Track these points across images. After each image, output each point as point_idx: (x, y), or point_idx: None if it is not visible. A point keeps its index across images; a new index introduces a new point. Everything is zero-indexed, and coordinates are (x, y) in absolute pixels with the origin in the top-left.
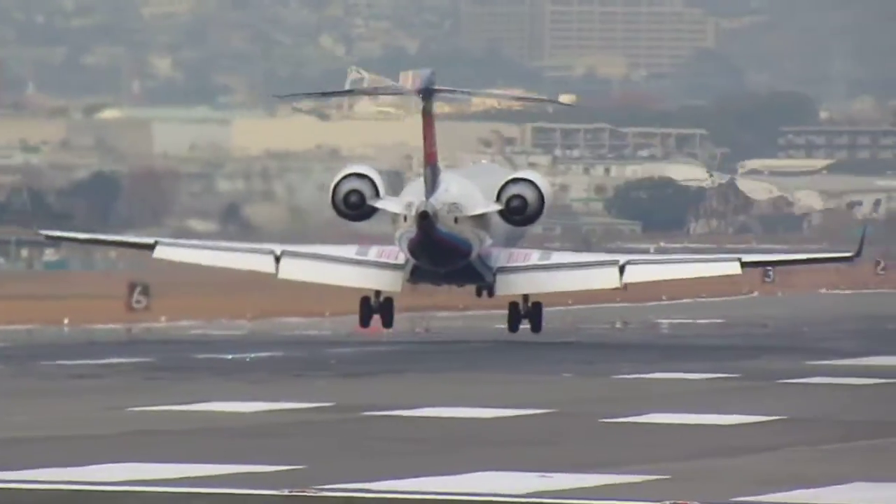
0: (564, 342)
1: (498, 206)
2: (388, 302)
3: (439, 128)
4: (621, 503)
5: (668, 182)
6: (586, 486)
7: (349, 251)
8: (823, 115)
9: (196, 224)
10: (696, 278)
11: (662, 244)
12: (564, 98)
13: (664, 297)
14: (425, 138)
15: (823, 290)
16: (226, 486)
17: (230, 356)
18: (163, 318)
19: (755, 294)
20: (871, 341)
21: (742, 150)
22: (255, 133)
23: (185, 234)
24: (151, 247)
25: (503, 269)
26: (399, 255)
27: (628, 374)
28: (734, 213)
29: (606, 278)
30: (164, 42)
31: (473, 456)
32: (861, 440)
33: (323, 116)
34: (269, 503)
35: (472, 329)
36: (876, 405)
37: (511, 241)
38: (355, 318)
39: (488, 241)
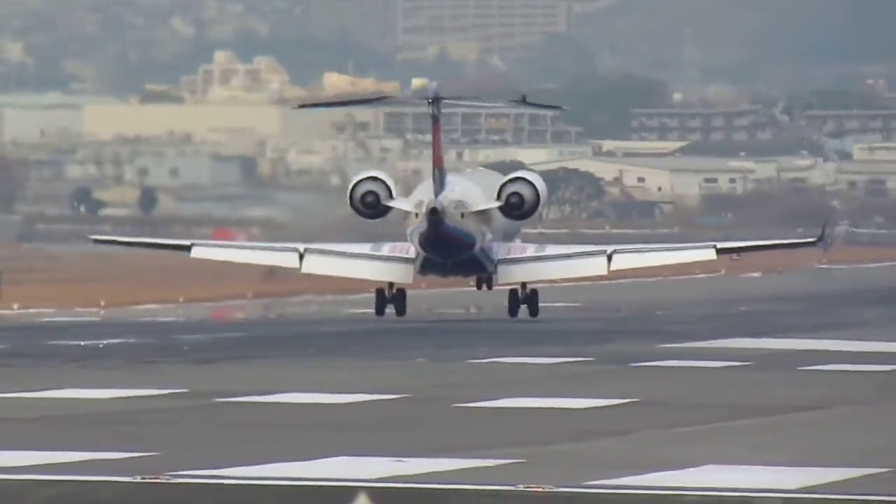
0: (419, 328)
1: (499, 204)
2: (401, 293)
3: (288, 109)
4: (476, 487)
5: (519, 166)
6: (441, 470)
7: (364, 248)
8: (676, 97)
9: (49, 209)
10: (675, 264)
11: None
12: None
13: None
14: (434, 143)
15: (683, 277)
16: (77, 473)
17: (83, 343)
18: (14, 306)
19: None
20: (722, 324)
21: (594, 133)
22: (107, 118)
23: (37, 219)
24: (188, 248)
25: (503, 261)
26: (410, 249)
27: (483, 358)
28: (587, 198)
29: (595, 266)
30: (15, 27)
31: (327, 441)
32: (714, 423)
33: (175, 100)
34: (121, 490)
35: (327, 314)
36: (727, 388)
37: (508, 236)
38: (208, 305)
39: (489, 236)
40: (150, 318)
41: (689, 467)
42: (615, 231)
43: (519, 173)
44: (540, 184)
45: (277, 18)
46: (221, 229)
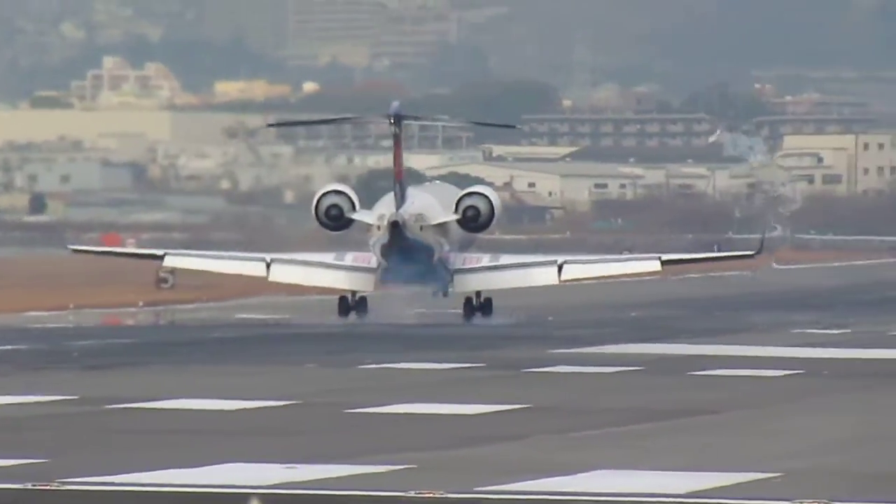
0: (311, 333)
1: (456, 217)
2: (363, 299)
3: (181, 115)
4: (367, 494)
5: (408, 170)
6: (331, 476)
7: (328, 257)
8: (566, 103)
9: None
10: (621, 275)
11: None
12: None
13: None
14: (395, 159)
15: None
16: None
17: None
18: None
19: None
20: (613, 329)
21: (485, 138)
22: None
23: None
24: (161, 257)
25: (459, 271)
26: (371, 259)
27: (373, 364)
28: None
29: (547, 276)
30: None
31: (218, 448)
32: (605, 428)
33: (66, 106)
34: (11, 497)
35: (216, 320)
36: (619, 393)
37: (464, 247)
38: (99, 311)
39: (447, 247)
40: (40, 325)
41: (580, 472)
42: (506, 237)
43: (475, 188)
44: (495, 198)
45: (169, 23)
46: (110, 235)
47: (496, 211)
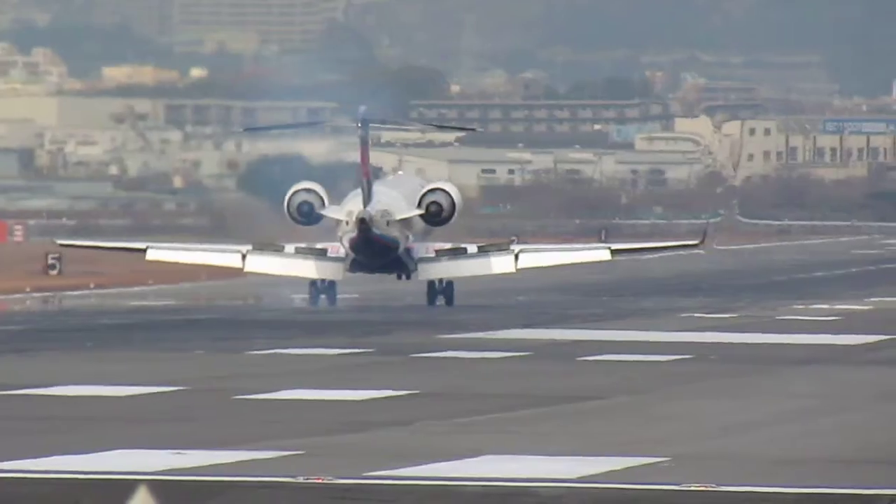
0: (196, 319)
1: (419, 212)
2: (332, 285)
3: (69, 100)
4: (255, 479)
5: (298, 157)
6: (220, 462)
7: (299, 247)
8: (454, 88)
9: None
10: (572, 263)
11: None
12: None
13: None
14: (362, 159)
15: None
16: None
17: None
18: None
19: None
20: (501, 315)
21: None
22: None
23: None
24: (144, 251)
25: (423, 259)
26: (340, 250)
27: (262, 349)
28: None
29: (504, 264)
30: None
31: (106, 434)
32: (493, 413)
33: None
34: None
35: (105, 307)
36: (507, 378)
37: (426, 237)
38: None
39: (411, 238)
40: None
41: (468, 458)
42: None
43: (437, 184)
44: (456, 193)
45: (57, 9)
46: None
47: (457, 206)
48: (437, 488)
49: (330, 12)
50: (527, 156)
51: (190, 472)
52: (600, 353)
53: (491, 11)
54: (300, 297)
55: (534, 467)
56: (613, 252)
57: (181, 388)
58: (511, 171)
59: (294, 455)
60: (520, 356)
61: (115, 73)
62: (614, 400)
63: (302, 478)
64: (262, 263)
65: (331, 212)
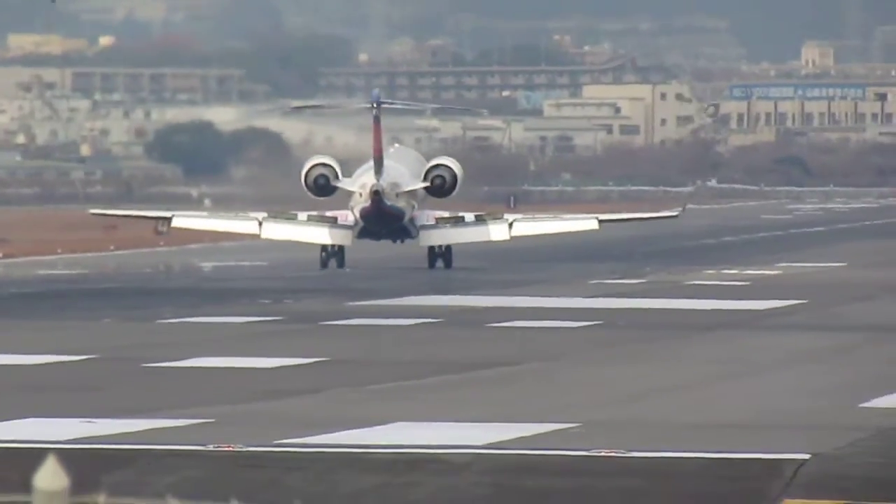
0: (105, 288)
1: (426, 184)
2: (341, 249)
3: None
4: (166, 448)
5: (207, 125)
6: (131, 430)
7: (312, 215)
8: (362, 56)
9: None
10: (562, 232)
11: (204, 189)
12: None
13: (206, 241)
14: (375, 136)
15: None
16: None
17: None
18: None
19: None
20: (410, 282)
21: (282, 92)
22: None
23: None
24: (169, 219)
25: (424, 227)
26: (349, 217)
27: (171, 318)
28: (275, 157)
29: (500, 232)
30: None
31: (16, 403)
32: (403, 380)
33: None
34: None
35: (13, 277)
36: (417, 345)
37: (428, 206)
38: None
39: (415, 208)
40: None
41: (379, 425)
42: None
43: (440, 160)
44: (458, 168)
45: None
46: None
47: (459, 180)
48: (347, 455)
49: None
50: (434, 123)
51: (100, 441)
52: (510, 320)
53: None
54: (210, 266)
55: (444, 434)
56: (601, 222)
57: (90, 356)
58: (418, 139)
59: (204, 423)
60: (430, 323)
61: (22, 42)
62: (524, 367)
63: (212, 446)
64: (277, 230)
65: (344, 184)
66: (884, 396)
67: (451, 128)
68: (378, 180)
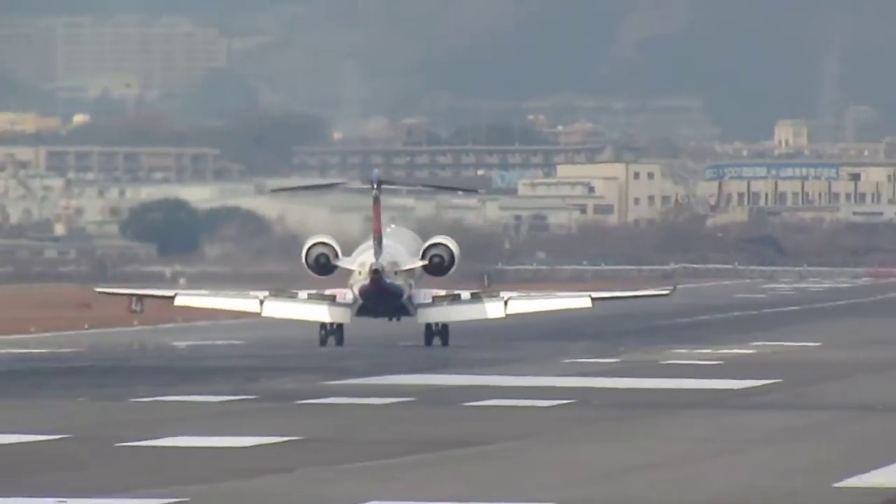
0: (79, 366)
1: (423, 263)
2: (340, 328)
3: None
4: None
5: (182, 204)
6: None
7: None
8: (336, 135)
9: None
10: (556, 310)
11: (178, 267)
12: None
13: (179, 320)
14: (374, 216)
15: None
16: None
17: None
18: None
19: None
20: (383, 361)
21: (257, 170)
22: None
23: None
24: (172, 298)
25: (422, 305)
26: (347, 295)
27: (145, 397)
28: (251, 236)
29: (495, 310)
30: None
31: None
32: (378, 459)
33: None
34: None
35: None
36: (391, 424)
37: (425, 285)
38: None
39: (413, 286)
40: None
41: None
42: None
43: (437, 239)
44: (455, 247)
45: None
46: None
47: (456, 258)
48: None
49: (211, 57)
50: (409, 202)
51: None
52: (485, 399)
53: (372, 58)
54: (185, 345)
55: None
56: (593, 300)
57: (64, 435)
58: (393, 218)
59: (179, 502)
60: (404, 402)
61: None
62: (498, 445)
63: None
64: (278, 308)
65: (344, 263)
66: (858, 475)
67: (425, 207)
68: (377, 259)
